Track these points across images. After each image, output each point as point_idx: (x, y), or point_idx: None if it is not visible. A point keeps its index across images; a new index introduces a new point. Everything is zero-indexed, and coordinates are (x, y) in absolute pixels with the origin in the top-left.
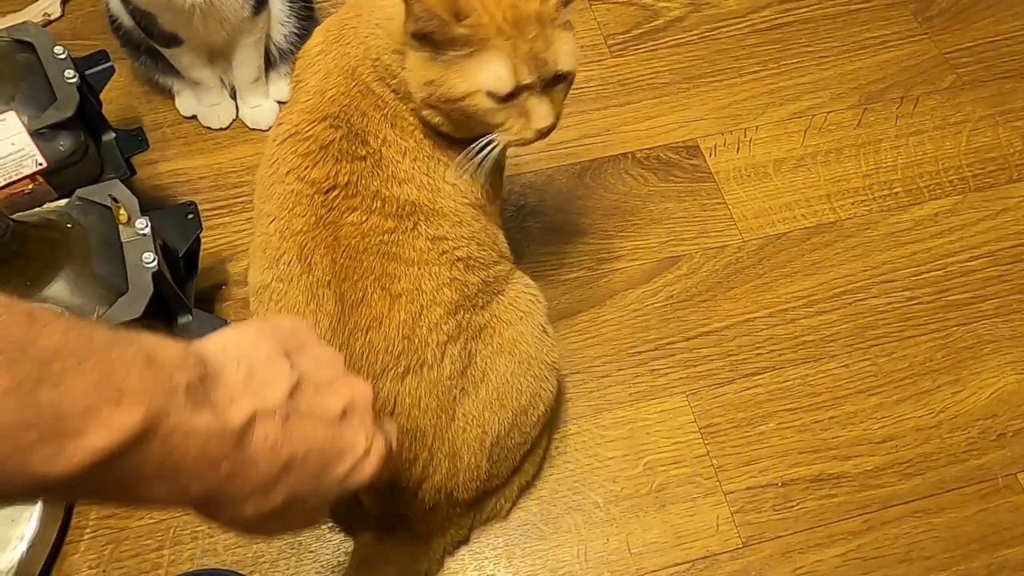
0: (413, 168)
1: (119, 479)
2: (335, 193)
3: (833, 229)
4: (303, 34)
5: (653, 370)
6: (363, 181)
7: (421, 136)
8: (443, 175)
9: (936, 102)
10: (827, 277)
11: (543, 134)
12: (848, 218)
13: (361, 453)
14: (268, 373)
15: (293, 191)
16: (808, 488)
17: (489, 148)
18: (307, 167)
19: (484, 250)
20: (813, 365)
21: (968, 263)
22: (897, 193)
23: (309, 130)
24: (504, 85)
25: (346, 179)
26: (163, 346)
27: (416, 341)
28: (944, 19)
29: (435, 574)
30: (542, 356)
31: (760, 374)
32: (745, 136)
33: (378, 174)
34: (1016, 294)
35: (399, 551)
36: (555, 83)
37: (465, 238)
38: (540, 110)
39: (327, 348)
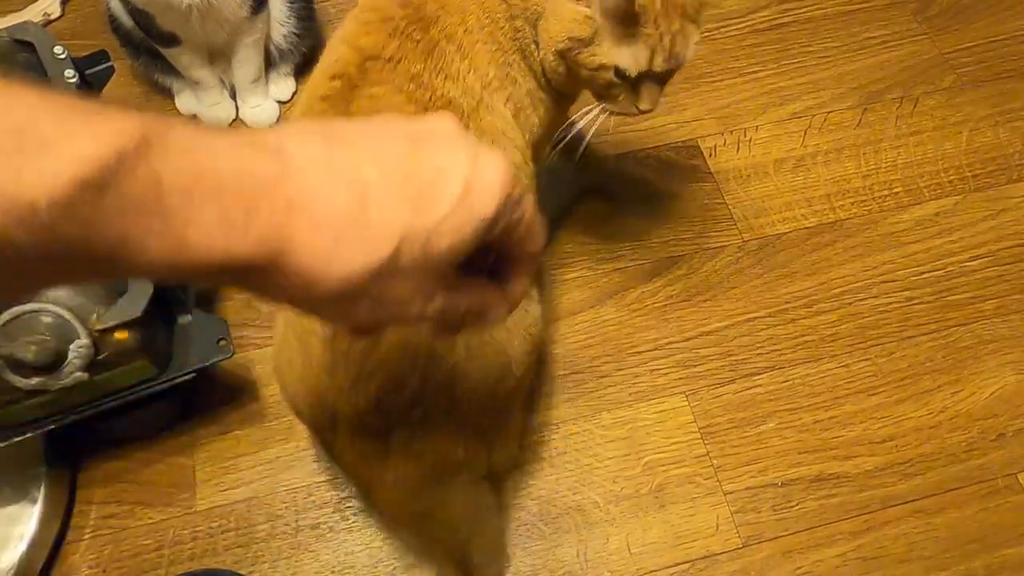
0: (469, 73)
1: (138, 197)
2: (376, 64)
3: (833, 229)
4: (303, 34)
5: (653, 370)
6: (405, 63)
7: (510, 52)
8: (501, 98)
9: (936, 102)
10: (827, 277)
11: (644, 114)
12: (848, 218)
13: (467, 167)
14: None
15: (337, 58)
16: (808, 488)
17: (591, 114)
18: (360, 35)
19: None
20: (813, 365)
21: (968, 263)
22: (897, 193)
23: (380, 3)
24: (635, 69)
25: (390, 55)
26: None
27: None
28: (944, 19)
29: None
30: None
31: (760, 374)
32: (745, 136)
33: (427, 62)
34: (1016, 294)
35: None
36: (671, 72)
37: None
38: (651, 94)
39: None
